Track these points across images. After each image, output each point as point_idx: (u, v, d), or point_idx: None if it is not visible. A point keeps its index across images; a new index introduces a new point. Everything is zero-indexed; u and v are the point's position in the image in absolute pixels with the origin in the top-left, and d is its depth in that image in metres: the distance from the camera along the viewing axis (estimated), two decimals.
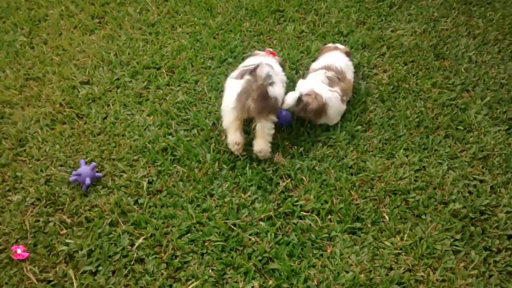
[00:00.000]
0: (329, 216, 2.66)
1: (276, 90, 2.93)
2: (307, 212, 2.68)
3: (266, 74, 2.87)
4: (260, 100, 2.81)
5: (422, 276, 2.38)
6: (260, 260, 2.45)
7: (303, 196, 2.76)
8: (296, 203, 2.72)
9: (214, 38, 4.04)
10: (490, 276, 2.39)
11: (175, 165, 2.96)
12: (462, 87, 3.48)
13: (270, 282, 2.35)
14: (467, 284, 2.34)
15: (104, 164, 2.97)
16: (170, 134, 3.18)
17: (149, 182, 2.88)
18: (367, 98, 3.39)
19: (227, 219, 2.64)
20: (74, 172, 2.83)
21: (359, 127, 3.17)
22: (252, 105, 2.82)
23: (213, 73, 3.64)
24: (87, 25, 4.17)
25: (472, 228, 2.58)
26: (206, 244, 2.54)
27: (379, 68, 3.69)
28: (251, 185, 2.83)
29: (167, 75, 3.65)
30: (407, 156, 3.00)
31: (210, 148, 3.03)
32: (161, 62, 3.76)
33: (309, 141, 3.09)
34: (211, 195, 2.80)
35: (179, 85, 3.55)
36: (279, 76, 3.10)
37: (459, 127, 3.18)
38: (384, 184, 2.81)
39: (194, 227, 2.62)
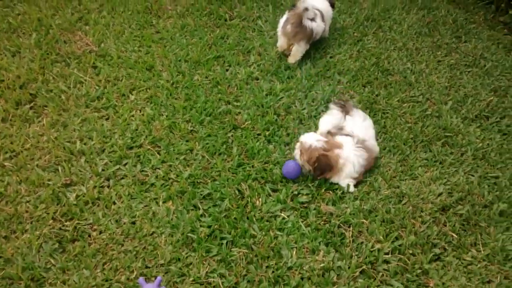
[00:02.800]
0: (410, 251, 2.74)
1: (314, 24, 3.97)
2: (388, 254, 2.72)
3: (304, 8, 3.85)
4: (295, 26, 3.91)
5: None
6: None
7: (374, 239, 2.79)
8: (373, 249, 2.73)
9: (176, 98, 3.74)
10: None
11: (231, 248, 2.71)
12: (424, 97, 3.88)
13: None
14: None
15: (153, 273, 2.56)
16: (203, 215, 2.88)
17: (221, 276, 2.58)
18: None
19: None
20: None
21: None
22: (290, 29, 3.92)
23: (201, 136, 3.38)
24: (19, 115, 3.46)
25: None
26: None
27: (346, 95, 3.88)
28: (319, 243, 2.75)
29: (155, 151, 3.27)
30: (426, 172, 3.24)
31: (253, 218, 2.85)
32: (139, 138, 3.34)
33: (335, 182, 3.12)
34: (290, 268, 2.63)
35: (177, 159, 3.21)
36: (326, 13, 4.19)
37: (446, 133, 3.54)
38: (430, 204, 3.00)
39: None
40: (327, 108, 3.68)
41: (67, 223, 2.78)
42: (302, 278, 2.58)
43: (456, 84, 4.06)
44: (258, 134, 3.47)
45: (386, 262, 2.69)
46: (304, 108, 3.72)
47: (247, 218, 2.88)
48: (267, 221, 2.88)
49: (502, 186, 3.14)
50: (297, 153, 3.09)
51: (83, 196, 2.93)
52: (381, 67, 4.21)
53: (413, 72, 4.18)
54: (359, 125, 3.27)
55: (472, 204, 3.01)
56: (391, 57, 4.34)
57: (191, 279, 2.55)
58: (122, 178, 3.08)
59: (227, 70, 4.12)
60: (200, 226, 2.81)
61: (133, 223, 2.82)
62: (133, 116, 3.54)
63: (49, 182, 2.99)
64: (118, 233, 2.75)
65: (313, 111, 3.70)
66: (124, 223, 2.80)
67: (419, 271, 2.64)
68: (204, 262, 2.64)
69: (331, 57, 4.33)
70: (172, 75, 3.96)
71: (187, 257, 2.66)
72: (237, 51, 4.34)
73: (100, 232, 2.76)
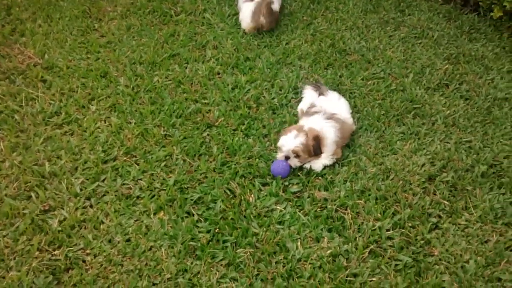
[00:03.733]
0: (409, 224, 2.80)
1: (276, 5, 4.38)
2: (389, 230, 2.76)
3: None
4: (268, 15, 4.29)
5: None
6: None
7: (372, 218, 2.82)
8: (374, 228, 2.76)
9: (140, 103, 3.56)
10: None
11: (236, 250, 2.63)
12: (385, 73, 3.97)
13: None
14: None
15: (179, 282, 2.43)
16: (199, 221, 2.77)
17: (233, 280, 2.49)
18: None
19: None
20: None
21: None
22: (264, 20, 4.28)
23: (177, 140, 3.25)
24: None
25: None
26: None
27: (311, 79, 3.88)
28: (321, 230, 2.74)
29: (132, 162, 3.09)
30: (405, 145, 3.32)
31: (250, 216, 2.78)
32: (111, 151, 3.15)
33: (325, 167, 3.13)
34: (299, 260, 2.60)
35: (157, 167, 3.06)
36: None
37: (414, 105, 3.65)
38: (417, 175, 3.08)
39: None
40: (296, 94, 3.66)
41: (56, 251, 2.56)
42: (313, 268, 2.55)
43: (412, 56, 4.19)
44: (234, 130, 3.39)
45: (390, 238, 2.72)
46: (274, 98, 3.67)
47: (244, 216, 2.80)
48: (264, 216, 2.81)
49: (477, 149, 3.28)
50: (281, 157, 3.04)
51: (66, 220, 2.70)
52: (337, 48, 4.25)
53: (369, 50, 4.25)
54: (331, 103, 3.34)
55: (454, 170, 3.12)
56: (345, 37, 4.40)
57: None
58: (104, 195, 2.88)
59: (186, 67, 3.98)
60: (199, 232, 2.70)
61: (128, 240, 2.65)
62: (99, 127, 3.32)
63: (25, 211, 2.73)
64: (115, 253, 2.57)
65: (283, 99, 3.66)
66: (118, 242, 2.62)
67: (421, 242, 2.70)
68: (212, 269, 2.54)
69: (287, 44, 4.31)
70: (130, 80, 3.75)
71: (193, 266, 2.54)
72: (191, 47, 4.20)
73: (95, 256, 2.56)
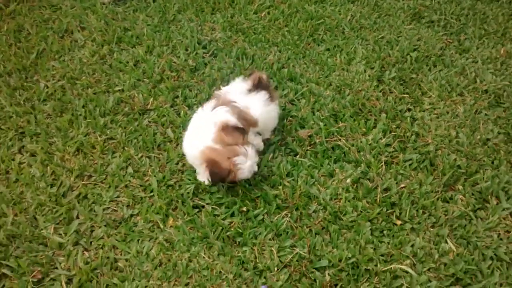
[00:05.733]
0: (394, 125, 2.93)
1: None
2: (382, 139, 2.86)
3: None
4: None
5: None
6: None
7: (360, 134, 2.87)
8: (369, 142, 2.81)
9: (49, 118, 2.88)
10: None
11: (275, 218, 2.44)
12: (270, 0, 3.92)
13: None
14: None
15: None
16: (214, 209, 2.46)
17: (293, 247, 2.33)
18: None
19: None
20: None
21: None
22: None
23: (124, 139, 2.76)
24: None
25: None
26: None
27: (209, 32, 3.62)
28: (328, 164, 2.70)
29: (94, 182, 2.55)
30: (336, 59, 3.39)
31: (257, 182, 2.58)
32: (61, 182, 2.53)
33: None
34: (331, 199, 2.55)
35: (126, 176, 2.57)
36: None
37: (317, 21, 3.71)
38: (368, 81, 3.18)
39: None
40: (205, 48, 3.40)
41: None
42: (349, 201, 2.47)
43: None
44: (173, 106, 3.00)
45: (388, 145, 2.77)
46: (186, 60, 3.33)
47: (251, 185, 2.56)
48: (272, 176, 2.62)
49: (393, 41, 3.54)
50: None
51: (75, 278, 2.13)
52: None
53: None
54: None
55: (392, 65, 3.31)
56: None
57: None
58: (92, 231, 2.32)
59: (65, 61, 3.31)
60: (223, 220, 2.39)
61: (160, 264, 2.22)
62: (22, 165, 2.59)
63: None
64: (156, 285, 2.14)
65: (197, 58, 3.35)
66: (152, 270, 2.18)
67: (413, 137, 2.79)
68: (264, 248, 2.27)
69: (154, 1, 3.87)
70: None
71: (245, 254, 2.24)
72: (56, 37, 3.48)
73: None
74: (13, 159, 2.64)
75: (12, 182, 2.53)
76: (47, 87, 3.10)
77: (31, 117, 2.89)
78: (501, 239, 2.33)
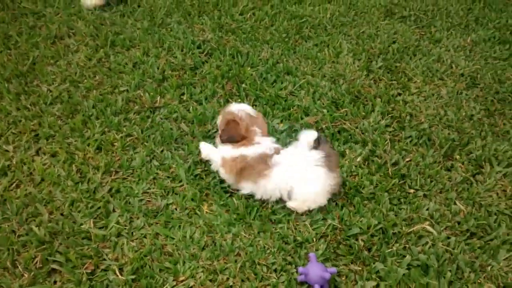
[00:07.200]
0: (390, 108, 3.21)
1: None
2: (381, 120, 3.12)
3: None
4: None
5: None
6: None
7: (361, 118, 3.12)
8: (371, 124, 3.08)
9: (63, 121, 2.90)
10: None
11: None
12: (252, 1, 4.12)
13: None
14: None
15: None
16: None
17: None
18: None
19: None
20: (301, 269, 2.16)
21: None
22: None
23: (142, 136, 2.84)
24: None
25: None
26: None
27: (207, 35, 3.76)
28: (338, 146, 2.93)
29: (123, 177, 2.61)
30: (325, 53, 3.65)
31: None
32: (89, 178, 2.56)
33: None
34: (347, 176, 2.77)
35: (153, 168, 2.66)
36: None
37: (301, 20, 3.97)
38: (358, 72, 3.46)
39: None
40: (200, 48, 3.52)
41: None
42: (362, 177, 2.71)
43: None
44: (181, 103, 3.11)
45: (387, 125, 3.04)
46: (184, 60, 3.45)
47: None
48: None
49: (373, 34, 3.85)
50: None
51: (126, 268, 2.18)
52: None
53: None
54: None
55: (377, 55, 3.62)
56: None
57: None
58: (132, 221, 2.39)
59: (63, 67, 3.31)
60: (255, 201, 2.54)
61: (204, 247, 2.32)
62: (46, 165, 2.60)
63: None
64: (208, 268, 2.23)
65: (194, 57, 3.47)
66: (201, 251, 2.28)
67: (407, 118, 3.09)
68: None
69: (139, 6, 3.96)
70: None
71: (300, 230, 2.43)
72: (47, 44, 3.48)
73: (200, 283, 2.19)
74: (33, 161, 2.63)
75: (38, 183, 2.53)
76: (51, 91, 3.10)
77: (41, 120, 2.88)
78: (500, 197, 2.64)
